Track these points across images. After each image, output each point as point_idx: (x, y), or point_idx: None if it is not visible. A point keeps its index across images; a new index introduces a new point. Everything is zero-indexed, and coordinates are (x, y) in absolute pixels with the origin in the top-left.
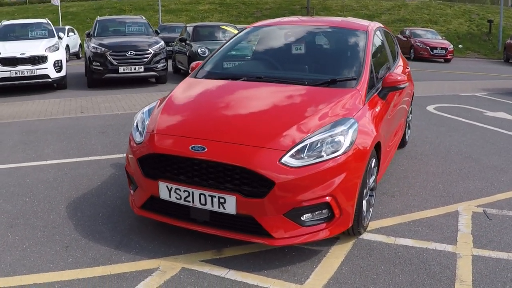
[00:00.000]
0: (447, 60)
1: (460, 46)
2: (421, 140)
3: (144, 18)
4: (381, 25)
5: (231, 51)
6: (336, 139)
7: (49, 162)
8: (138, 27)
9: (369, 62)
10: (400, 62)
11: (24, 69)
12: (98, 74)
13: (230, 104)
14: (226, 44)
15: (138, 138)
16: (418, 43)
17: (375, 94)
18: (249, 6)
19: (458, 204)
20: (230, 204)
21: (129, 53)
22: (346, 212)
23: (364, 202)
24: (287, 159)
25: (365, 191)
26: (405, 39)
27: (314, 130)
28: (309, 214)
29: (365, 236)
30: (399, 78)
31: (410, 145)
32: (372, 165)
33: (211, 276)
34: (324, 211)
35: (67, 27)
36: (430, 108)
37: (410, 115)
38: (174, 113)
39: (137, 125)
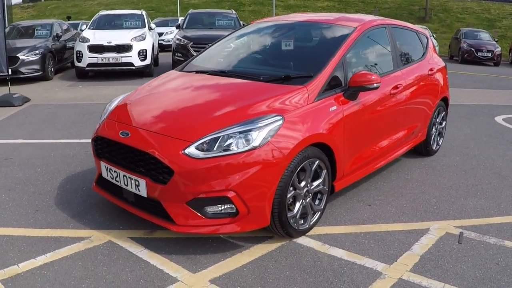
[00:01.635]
0: None
1: None
2: (457, 150)
3: (234, 12)
4: (392, 22)
5: (220, 46)
6: (249, 134)
7: (81, 140)
8: (228, 21)
9: (336, 60)
10: (423, 63)
11: (110, 56)
12: (180, 64)
13: (173, 95)
14: (220, 40)
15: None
16: None
17: (339, 93)
18: (367, 4)
19: (436, 222)
20: (142, 187)
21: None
22: (256, 210)
23: (298, 204)
24: (191, 150)
25: (293, 193)
26: None
27: (231, 124)
28: (214, 207)
29: (300, 240)
30: (372, 77)
31: (439, 154)
32: (313, 168)
33: (125, 251)
34: (230, 205)
35: (180, 18)
36: (499, 118)
37: (444, 122)
38: (130, 101)
39: (107, 110)
